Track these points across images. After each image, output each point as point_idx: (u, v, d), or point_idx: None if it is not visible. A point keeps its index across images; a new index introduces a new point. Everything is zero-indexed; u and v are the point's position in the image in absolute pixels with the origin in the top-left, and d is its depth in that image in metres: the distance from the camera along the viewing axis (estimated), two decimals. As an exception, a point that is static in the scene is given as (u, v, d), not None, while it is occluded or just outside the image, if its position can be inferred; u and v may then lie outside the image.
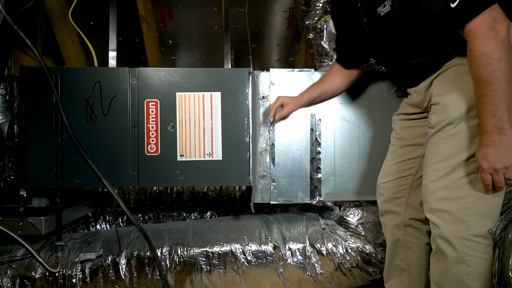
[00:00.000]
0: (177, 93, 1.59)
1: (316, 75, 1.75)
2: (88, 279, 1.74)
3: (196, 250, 1.78)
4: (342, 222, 1.81)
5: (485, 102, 1.05)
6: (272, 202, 1.73)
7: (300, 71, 1.75)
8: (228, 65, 2.02)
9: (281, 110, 1.67)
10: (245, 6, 2.04)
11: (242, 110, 1.61)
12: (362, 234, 1.76)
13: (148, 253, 1.77)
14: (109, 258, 1.77)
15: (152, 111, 1.58)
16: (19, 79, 1.55)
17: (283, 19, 2.61)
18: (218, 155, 1.60)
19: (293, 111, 1.68)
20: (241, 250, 1.77)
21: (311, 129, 1.75)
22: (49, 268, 1.35)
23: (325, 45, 1.84)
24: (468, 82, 1.12)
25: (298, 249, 1.77)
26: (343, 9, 1.49)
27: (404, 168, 1.44)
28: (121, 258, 1.77)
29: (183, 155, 1.59)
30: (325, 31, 1.84)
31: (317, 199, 1.74)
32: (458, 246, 1.15)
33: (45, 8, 2.08)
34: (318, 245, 1.76)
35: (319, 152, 1.75)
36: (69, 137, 1.43)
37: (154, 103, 1.59)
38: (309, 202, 1.75)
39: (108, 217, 2.20)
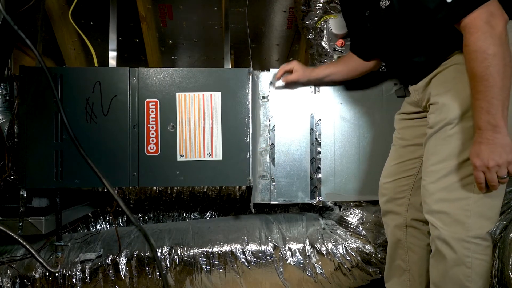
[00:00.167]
0: (177, 93, 1.59)
1: (316, 75, 1.75)
2: (88, 279, 1.74)
3: (196, 250, 1.78)
4: (342, 222, 1.81)
5: (479, 99, 1.04)
6: (272, 202, 1.73)
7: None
8: (228, 65, 2.02)
9: (289, 75, 1.66)
10: (245, 6, 2.04)
11: (242, 110, 1.61)
12: (362, 234, 1.76)
13: (148, 253, 1.77)
14: (109, 258, 1.77)
15: (152, 111, 1.59)
16: (19, 79, 1.55)
17: (283, 19, 2.61)
18: (218, 155, 1.60)
19: (300, 80, 1.66)
20: (241, 250, 1.77)
21: (311, 129, 1.75)
22: (49, 268, 1.35)
23: (325, 45, 1.84)
24: (467, 82, 1.11)
25: (298, 249, 1.77)
26: (349, 1, 1.49)
27: (405, 169, 1.43)
28: (121, 258, 1.77)
29: (183, 155, 1.59)
30: (325, 31, 1.84)
31: (317, 199, 1.74)
32: (457, 248, 1.14)
33: (45, 8, 2.08)
34: (318, 245, 1.76)
35: (319, 152, 1.75)
36: (69, 137, 1.43)
37: (154, 103, 1.59)
38: (309, 202, 1.75)
39: (108, 217, 2.20)
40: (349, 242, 1.76)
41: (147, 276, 1.76)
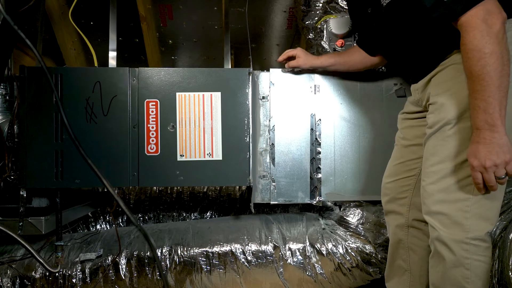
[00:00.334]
0: (177, 93, 1.59)
1: (315, 76, 1.75)
2: (88, 279, 1.74)
3: (196, 250, 1.78)
4: (342, 222, 1.81)
5: (477, 98, 1.03)
6: (272, 202, 1.73)
7: (300, 71, 1.75)
8: (228, 65, 2.02)
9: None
10: (245, 6, 2.04)
11: (242, 110, 1.61)
12: (362, 234, 1.76)
13: (148, 253, 1.77)
14: (109, 258, 1.77)
15: (152, 111, 1.58)
16: (19, 79, 1.55)
17: (283, 19, 2.61)
18: (218, 155, 1.60)
19: (303, 66, 1.66)
20: (241, 250, 1.77)
21: (311, 129, 1.75)
22: (49, 268, 1.35)
23: (325, 45, 1.84)
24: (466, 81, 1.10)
25: (298, 249, 1.77)
26: None
27: (407, 169, 1.42)
28: (121, 258, 1.77)
29: (183, 155, 1.59)
30: (325, 31, 1.84)
31: (317, 199, 1.74)
32: (456, 249, 1.14)
33: (45, 8, 2.08)
34: (318, 245, 1.76)
35: (319, 152, 1.75)
36: (69, 137, 1.43)
37: (154, 103, 1.59)
38: (309, 202, 1.74)
39: (108, 217, 2.20)
40: (349, 242, 1.76)
41: (147, 276, 1.76)
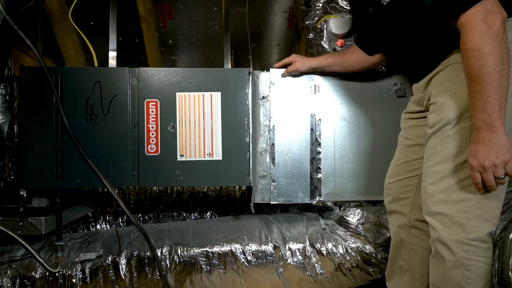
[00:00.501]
0: (177, 93, 1.59)
1: (315, 76, 1.75)
2: (88, 279, 1.74)
3: (196, 250, 1.78)
4: (342, 222, 1.81)
5: (476, 98, 1.02)
6: (272, 202, 1.73)
7: (299, 75, 1.75)
8: (228, 65, 2.02)
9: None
10: (245, 6, 2.04)
11: (242, 110, 1.61)
12: (362, 234, 1.76)
13: (148, 253, 1.77)
14: (109, 258, 1.77)
15: (152, 111, 1.58)
16: (19, 79, 1.55)
17: (283, 19, 2.61)
18: (218, 155, 1.60)
19: (301, 69, 1.67)
20: (241, 250, 1.77)
21: (311, 129, 1.75)
22: (49, 268, 1.35)
23: (325, 45, 1.84)
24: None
25: (298, 249, 1.77)
26: None
27: (410, 169, 1.42)
28: (121, 258, 1.77)
29: (183, 155, 1.59)
30: (325, 31, 1.84)
31: (317, 199, 1.74)
32: (456, 250, 1.13)
33: (45, 8, 2.08)
34: (318, 245, 1.76)
35: (319, 152, 1.75)
36: (69, 137, 1.43)
37: (154, 103, 1.59)
38: (309, 202, 1.74)
39: (108, 217, 2.20)
40: (349, 242, 1.76)
41: (147, 276, 1.76)
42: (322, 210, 1.99)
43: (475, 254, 1.13)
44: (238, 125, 1.60)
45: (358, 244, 1.75)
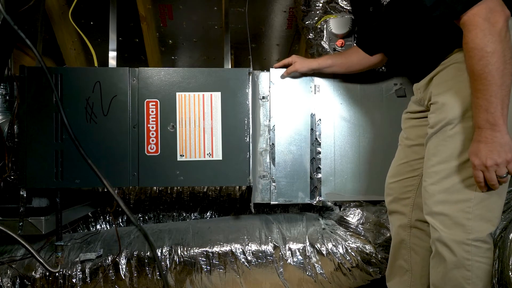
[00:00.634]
0: (177, 93, 1.59)
1: (315, 78, 1.75)
2: (88, 279, 1.74)
3: (196, 250, 1.78)
4: (342, 222, 1.81)
5: (479, 97, 1.02)
6: (272, 203, 1.73)
7: (299, 76, 1.74)
8: (228, 65, 2.02)
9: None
10: (245, 6, 2.04)
11: (242, 110, 1.61)
12: (362, 234, 1.76)
13: (148, 253, 1.77)
14: (109, 258, 1.77)
15: (152, 111, 1.59)
16: (19, 79, 1.55)
17: (283, 19, 2.61)
18: (218, 155, 1.60)
19: (301, 70, 1.67)
20: (241, 250, 1.77)
21: (311, 129, 1.75)
22: (49, 268, 1.35)
23: (325, 45, 1.84)
24: (468, 80, 1.09)
25: (298, 249, 1.77)
26: None
27: (411, 169, 1.41)
28: (121, 258, 1.77)
29: (183, 155, 1.59)
30: (325, 31, 1.84)
31: (317, 199, 1.74)
32: (457, 250, 1.13)
33: (45, 8, 2.08)
34: (318, 245, 1.76)
35: (319, 152, 1.75)
36: (69, 137, 1.43)
37: (154, 103, 1.59)
38: (309, 202, 1.74)
39: (108, 217, 2.20)
40: (349, 242, 1.76)
41: (147, 276, 1.76)
42: (322, 210, 1.99)
43: (476, 255, 1.13)
44: (238, 125, 1.60)
45: (358, 244, 1.75)
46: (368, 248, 1.74)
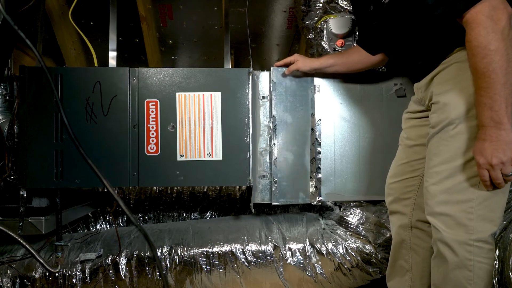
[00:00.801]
0: (177, 93, 1.59)
1: (315, 78, 1.75)
2: (88, 279, 1.74)
3: (196, 250, 1.78)
4: (342, 222, 1.81)
5: (482, 95, 1.02)
6: (273, 203, 1.73)
7: (300, 75, 1.75)
8: (228, 65, 2.02)
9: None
10: (245, 6, 2.04)
11: (242, 110, 1.61)
12: (362, 234, 1.76)
13: (148, 253, 1.77)
14: (109, 258, 1.77)
15: (152, 111, 1.58)
16: (19, 79, 1.55)
17: (283, 19, 2.61)
18: (218, 155, 1.60)
19: (302, 68, 1.66)
20: (241, 250, 1.77)
21: (311, 129, 1.75)
22: (49, 268, 1.35)
23: (325, 45, 1.84)
24: (470, 80, 1.09)
25: (298, 249, 1.77)
26: None
27: (411, 169, 1.41)
28: (121, 258, 1.77)
29: (183, 155, 1.59)
30: (325, 31, 1.84)
31: (317, 199, 1.74)
32: (459, 251, 1.13)
33: (45, 8, 2.08)
34: (318, 245, 1.76)
35: (319, 152, 1.75)
36: (69, 137, 1.43)
37: (154, 103, 1.59)
38: (309, 202, 1.74)
39: (108, 217, 2.20)
40: (349, 242, 1.76)
41: (147, 276, 1.76)
42: (322, 210, 1.99)
43: (478, 255, 1.12)
44: (238, 125, 1.60)
45: (358, 244, 1.75)
46: (368, 248, 1.74)
